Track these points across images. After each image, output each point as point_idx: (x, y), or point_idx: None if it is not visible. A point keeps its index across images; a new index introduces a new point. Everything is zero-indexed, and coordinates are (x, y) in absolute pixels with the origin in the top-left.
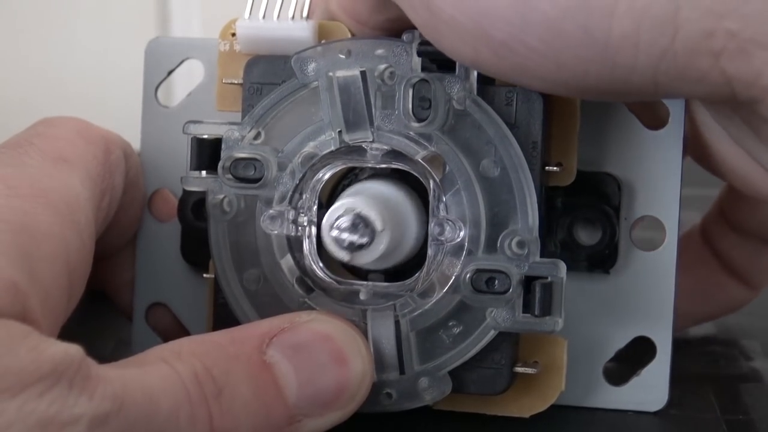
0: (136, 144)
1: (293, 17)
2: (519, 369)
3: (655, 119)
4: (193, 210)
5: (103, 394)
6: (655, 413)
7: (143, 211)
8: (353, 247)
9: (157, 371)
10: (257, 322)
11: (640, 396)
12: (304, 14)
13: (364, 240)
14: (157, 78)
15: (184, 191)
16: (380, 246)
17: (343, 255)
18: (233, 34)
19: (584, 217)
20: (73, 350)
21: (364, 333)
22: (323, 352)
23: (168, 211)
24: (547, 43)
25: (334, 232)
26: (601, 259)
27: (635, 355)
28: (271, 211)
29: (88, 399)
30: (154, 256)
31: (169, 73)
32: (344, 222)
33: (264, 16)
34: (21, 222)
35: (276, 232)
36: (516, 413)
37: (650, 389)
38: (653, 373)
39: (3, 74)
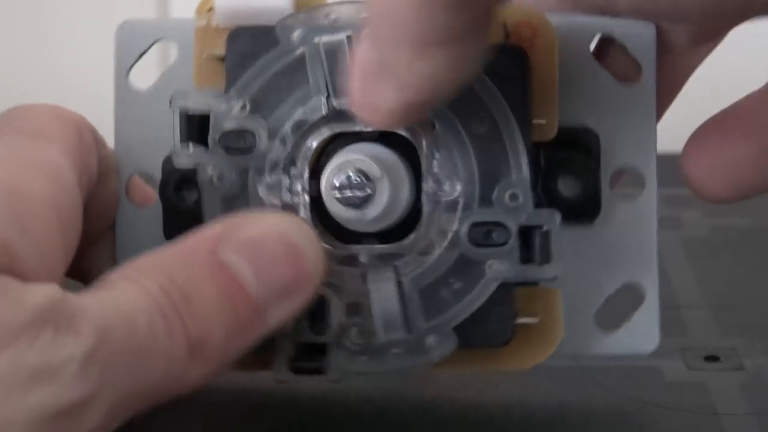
0: None
1: None
2: (521, 320)
3: (625, 75)
4: (176, 189)
5: (88, 330)
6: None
7: (120, 197)
8: (359, 202)
9: (127, 292)
10: (201, 230)
11: (632, 340)
12: None
13: (367, 191)
14: (128, 61)
15: (165, 171)
16: (384, 194)
17: (351, 214)
18: (209, 9)
19: (566, 171)
20: (53, 290)
21: (366, 295)
22: (275, 243)
23: (145, 195)
24: None
25: (336, 193)
26: (584, 211)
27: (625, 301)
28: (268, 180)
29: (75, 337)
30: (134, 242)
31: (141, 54)
32: (343, 180)
33: None
34: (8, 185)
35: (276, 201)
36: (518, 366)
37: (642, 333)
38: (643, 317)
39: (3, 74)
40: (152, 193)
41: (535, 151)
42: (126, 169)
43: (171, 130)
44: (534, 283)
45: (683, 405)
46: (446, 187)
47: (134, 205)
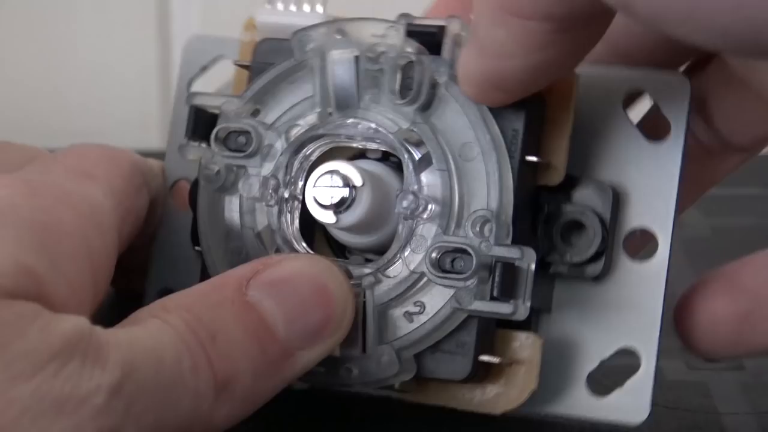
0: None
1: (311, 8)
2: (484, 357)
3: (656, 130)
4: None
5: (114, 362)
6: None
7: (165, 200)
8: (336, 205)
9: (154, 328)
10: (231, 270)
11: (621, 409)
12: (320, 5)
13: (345, 193)
14: (191, 73)
15: (197, 178)
16: (362, 203)
17: (327, 216)
18: (254, 26)
19: (576, 223)
20: (82, 322)
21: None
22: (302, 284)
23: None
24: None
25: (315, 191)
26: (592, 268)
27: (619, 366)
28: (251, 178)
29: (102, 370)
30: (170, 244)
31: (203, 69)
32: (324, 180)
33: (283, 7)
34: (41, 220)
35: (251, 195)
36: (488, 410)
37: (632, 402)
38: (636, 386)
39: (2, 74)
40: None
41: (537, 191)
42: (174, 174)
43: None
44: (518, 325)
45: (684, 404)
46: (413, 202)
47: (177, 208)
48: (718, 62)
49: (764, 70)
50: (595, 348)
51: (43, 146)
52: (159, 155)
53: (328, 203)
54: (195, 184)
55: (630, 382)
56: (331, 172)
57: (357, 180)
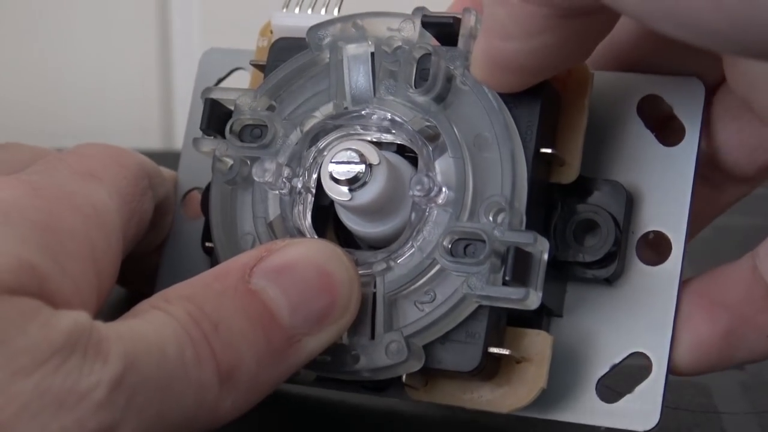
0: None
1: (325, 11)
2: (493, 350)
3: (670, 135)
4: None
5: (116, 356)
6: None
7: (175, 209)
8: (351, 181)
9: (154, 319)
10: (235, 257)
11: (631, 415)
12: (335, 8)
13: (361, 169)
14: (207, 85)
15: (208, 184)
16: (377, 182)
17: (342, 192)
18: (272, 32)
19: (590, 223)
20: (83, 317)
21: None
22: (306, 269)
23: (198, 209)
24: None
25: (331, 167)
26: (605, 271)
27: (629, 369)
28: (266, 163)
29: (103, 364)
30: (179, 251)
31: (219, 81)
32: (341, 156)
33: (299, 10)
34: (45, 221)
35: (264, 179)
36: (495, 409)
37: (642, 409)
38: (646, 392)
39: (2, 74)
40: None
41: (550, 188)
42: (185, 184)
43: None
44: (530, 324)
45: (684, 404)
46: (434, 191)
47: (188, 217)
48: (723, 90)
49: (765, 91)
50: (606, 352)
51: (43, 146)
52: (159, 156)
53: (343, 178)
54: (208, 189)
55: (640, 388)
56: (350, 149)
57: (374, 158)
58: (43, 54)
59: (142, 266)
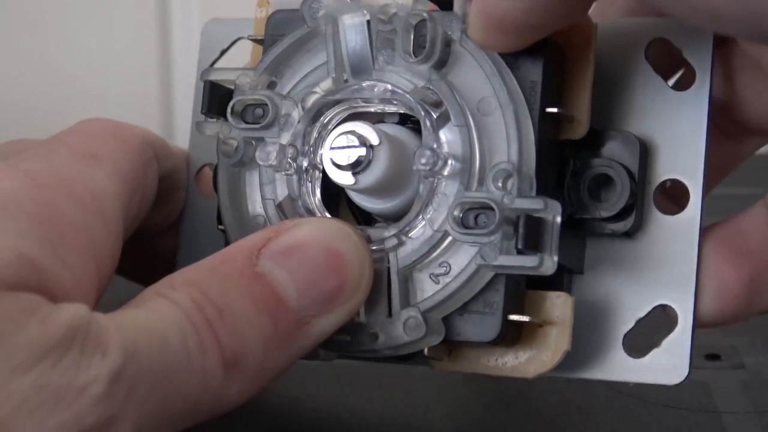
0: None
1: None
2: (513, 317)
3: (681, 80)
4: None
5: (115, 348)
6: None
7: (189, 186)
8: (353, 165)
9: (157, 307)
10: (243, 239)
11: (660, 369)
12: None
13: (362, 153)
14: (210, 58)
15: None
16: (380, 162)
17: (346, 177)
18: (269, 1)
19: (604, 177)
20: (81, 310)
21: None
22: (314, 250)
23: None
24: None
25: (331, 153)
26: (623, 224)
27: (656, 324)
28: (268, 146)
29: (101, 357)
30: (197, 229)
31: (222, 53)
32: (340, 141)
33: None
34: (43, 213)
35: (268, 162)
36: (521, 374)
37: (671, 361)
38: (674, 344)
39: (2, 74)
40: None
41: (560, 146)
42: (198, 160)
43: None
44: (550, 286)
45: (684, 403)
46: (440, 163)
47: (202, 194)
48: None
49: None
50: (631, 307)
51: None
52: None
53: (345, 163)
54: (217, 167)
55: (667, 341)
56: (347, 132)
57: (373, 139)
58: (43, 54)
59: (158, 246)
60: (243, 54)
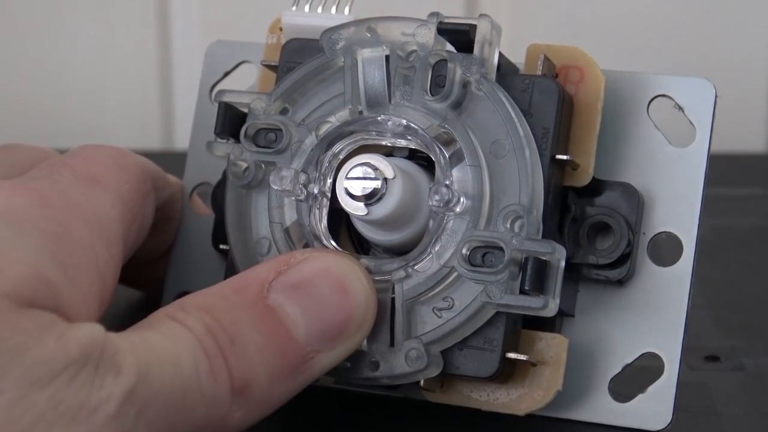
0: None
1: (336, 9)
2: (511, 355)
3: (681, 137)
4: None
5: (129, 369)
6: None
7: (183, 205)
8: (368, 197)
9: (170, 331)
10: (254, 268)
11: (643, 415)
12: (346, 7)
13: (377, 185)
14: (213, 79)
15: (219, 181)
16: (393, 195)
17: (359, 208)
18: (281, 29)
19: (602, 225)
20: (97, 330)
21: None
22: (324, 285)
23: (207, 205)
24: None
25: (347, 183)
26: (616, 272)
27: (642, 371)
28: (283, 171)
29: (115, 377)
30: (189, 247)
31: (225, 74)
32: (356, 172)
33: (309, 9)
34: (55, 231)
35: (283, 187)
36: (512, 411)
37: (655, 408)
38: (659, 391)
39: (2, 74)
40: None
41: (564, 192)
42: (194, 178)
43: None
44: (543, 326)
45: (684, 405)
46: (453, 201)
47: (196, 213)
48: None
49: None
50: (619, 352)
51: (44, 146)
52: (159, 156)
53: (359, 194)
54: (218, 186)
55: (653, 388)
56: (364, 164)
57: (389, 172)
58: (43, 54)
59: (151, 271)
60: (243, 76)
